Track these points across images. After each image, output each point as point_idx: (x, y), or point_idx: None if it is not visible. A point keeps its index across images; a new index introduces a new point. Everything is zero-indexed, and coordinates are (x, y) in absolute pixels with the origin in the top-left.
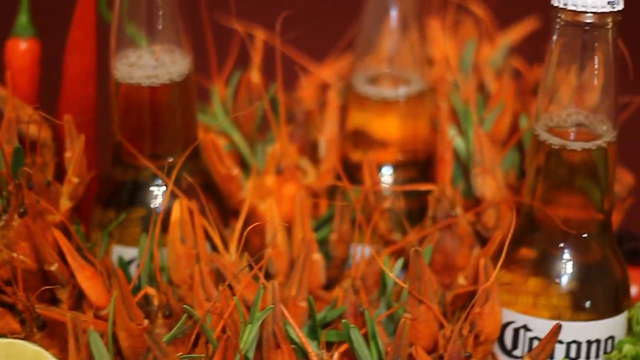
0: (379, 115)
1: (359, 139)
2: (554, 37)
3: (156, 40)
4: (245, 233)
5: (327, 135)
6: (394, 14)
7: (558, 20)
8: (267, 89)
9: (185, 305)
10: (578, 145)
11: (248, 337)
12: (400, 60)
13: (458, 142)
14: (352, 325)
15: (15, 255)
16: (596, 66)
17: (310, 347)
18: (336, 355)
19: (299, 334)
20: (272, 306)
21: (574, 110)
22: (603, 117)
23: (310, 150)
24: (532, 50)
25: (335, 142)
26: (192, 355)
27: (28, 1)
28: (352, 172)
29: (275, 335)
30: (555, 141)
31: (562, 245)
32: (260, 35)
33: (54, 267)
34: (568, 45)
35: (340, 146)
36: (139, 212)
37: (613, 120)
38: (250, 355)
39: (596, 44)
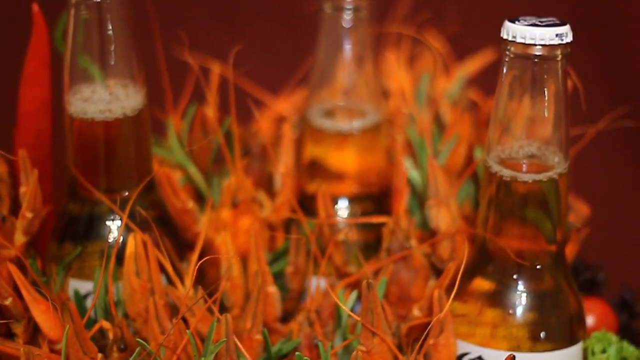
0: (335, 148)
1: (315, 171)
2: (504, 70)
3: (110, 74)
4: (199, 266)
5: (282, 168)
6: (348, 47)
7: (507, 52)
8: (223, 122)
9: (138, 339)
10: (529, 177)
11: None
12: (355, 93)
13: (413, 174)
14: (307, 357)
15: None
16: (546, 98)
17: None
18: None
19: None
20: (226, 339)
21: (526, 142)
22: (555, 149)
23: (267, 183)
24: (488, 82)
25: (290, 175)
26: None
27: None
28: (308, 204)
29: None
30: (506, 173)
31: (515, 276)
32: (215, 68)
33: (8, 302)
34: (518, 77)
35: (296, 179)
36: (95, 245)
37: (565, 152)
38: None
39: (546, 76)
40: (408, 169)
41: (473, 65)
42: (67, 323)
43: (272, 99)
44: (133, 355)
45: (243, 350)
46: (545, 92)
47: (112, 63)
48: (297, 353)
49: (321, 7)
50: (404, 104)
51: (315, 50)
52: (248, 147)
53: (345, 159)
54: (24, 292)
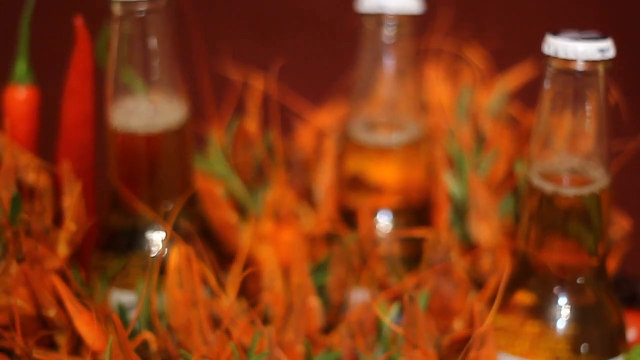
0: (375, 162)
1: (356, 185)
2: (546, 84)
3: (153, 88)
4: (242, 278)
5: (323, 182)
6: (389, 62)
7: (549, 68)
8: (265, 135)
9: (182, 351)
10: (571, 192)
11: None
12: (396, 107)
13: (453, 187)
14: None
15: (13, 301)
16: (588, 113)
17: None
18: None
19: None
20: (268, 351)
21: (567, 157)
22: (596, 163)
23: (308, 197)
24: (528, 96)
25: (331, 188)
26: None
27: (26, 48)
28: (349, 217)
29: None
30: (548, 187)
31: (556, 290)
32: (256, 82)
33: (52, 313)
34: (560, 92)
35: (337, 192)
36: (137, 258)
37: (606, 166)
38: None
39: (587, 91)
40: (448, 183)
41: (513, 80)
42: (111, 334)
43: (313, 113)
44: None
45: None
46: (587, 107)
47: (156, 77)
48: None
49: (362, 22)
50: (444, 118)
51: (356, 65)
52: (289, 161)
53: (386, 173)
54: (67, 304)
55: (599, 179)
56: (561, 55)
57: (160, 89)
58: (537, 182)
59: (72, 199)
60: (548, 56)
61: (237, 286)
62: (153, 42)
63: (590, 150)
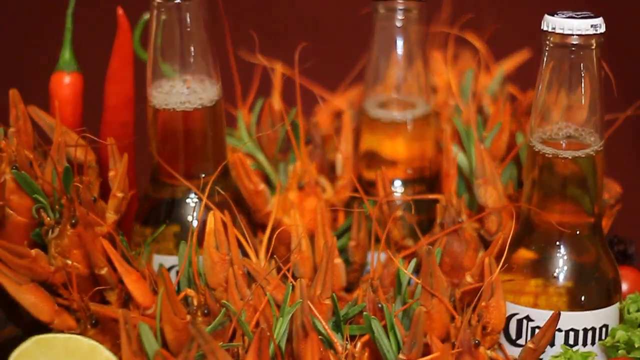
0: (389, 136)
1: (371, 158)
2: (544, 59)
3: (188, 70)
4: (272, 240)
5: (343, 153)
6: (400, 45)
7: (547, 43)
8: (287, 114)
9: (223, 301)
10: (569, 154)
11: (280, 329)
12: (406, 87)
13: (461, 158)
14: (374, 317)
15: (69, 262)
16: (583, 83)
17: (336, 338)
18: (359, 344)
19: (325, 327)
20: (300, 301)
21: (565, 125)
22: (591, 130)
23: (328, 170)
24: (524, 77)
25: (350, 159)
26: (231, 344)
27: (71, 38)
28: (366, 189)
29: (304, 327)
30: (548, 150)
31: (558, 243)
32: (279, 68)
33: (103, 271)
34: (557, 65)
35: (355, 164)
36: (176, 225)
37: (600, 132)
38: (282, 345)
39: (582, 64)
40: (456, 154)
41: (510, 63)
42: (160, 288)
43: (331, 94)
44: (218, 316)
45: (315, 311)
46: (582, 78)
47: (191, 60)
48: (364, 313)
49: (375, 8)
50: (451, 96)
51: (369, 48)
52: (310, 137)
53: (399, 146)
54: (116, 264)
55: (594, 143)
56: (558, 30)
57: (195, 71)
58: (539, 146)
59: (118, 170)
60: (546, 32)
61: (268, 248)
62: (188, 28)
63: (586, 118)
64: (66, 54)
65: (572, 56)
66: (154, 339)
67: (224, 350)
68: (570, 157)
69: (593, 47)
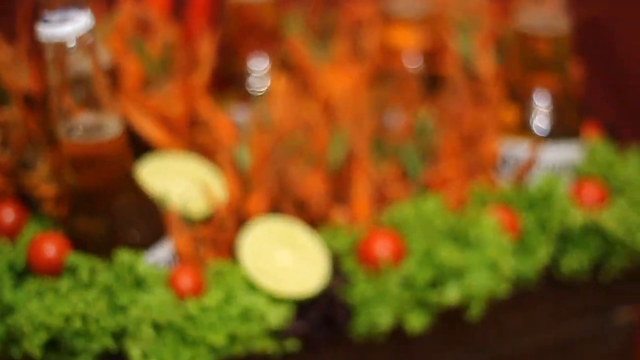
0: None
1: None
2: None
3: None
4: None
5: (370, 42)
6: None
7: None
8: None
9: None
10: (544, 32)
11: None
12: None
13: (461, 45)
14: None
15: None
16: None
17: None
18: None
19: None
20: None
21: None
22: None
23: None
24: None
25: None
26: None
27: None
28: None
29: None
30: (529, 31)
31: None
32: None
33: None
34: None
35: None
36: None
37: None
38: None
39: None
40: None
41: None
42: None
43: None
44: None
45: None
46: None
47: None
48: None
49: None
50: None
51: None
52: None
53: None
54: (206, 111)
55: (564, 22)
56: None
57: None
58: (522, 25)
59: (207, 45)
60: None
61: (319, 102)
62: None
63: (558, 5)
64: None
65: None
66: (246, 156)
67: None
68: (544, 35)
69: None
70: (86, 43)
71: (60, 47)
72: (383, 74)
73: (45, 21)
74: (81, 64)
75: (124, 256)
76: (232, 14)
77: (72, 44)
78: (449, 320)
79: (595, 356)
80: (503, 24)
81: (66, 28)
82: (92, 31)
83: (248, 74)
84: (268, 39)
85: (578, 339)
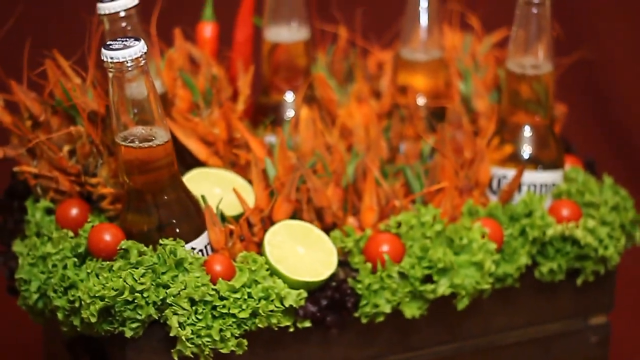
0: (417, 71)
1: (404, 85)
2: (517, 12)
3: (293, 17)
4: (340, 128)
5: (385, 81)
6: (423, 14)
7: (520, 3)
8: (351, 54)
9: (316, 151)
10: (531, 71)
11: (349, 171)
12: (427, 41)
13: (462, 86)
14: (406, 165)
15: (216, 130)
16: (542, 27)
17: (383, 179)
18: (398, 184)
19: (376, 172)
20: (362, 154)
21: (529, 56)
22: (546, 59)
23: (376, 91)
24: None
25: (391, 84)
26: (321, 174)
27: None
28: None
29: (364, 171)
30: (518, 69)
31: (524, 131)
32: (344, 31)
33: (238, 135)
34: (524, 16)
35: (394, 88)
36: (280, 115)
37: (552, 61)
38: (350, 181)
39: (540, 14)
40: (459, 85)
41: (495, 36)
42: (276, 145)
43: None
44: (311, 159)
45: (370, 163)
46: (541, 23)
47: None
48: (402, 165)
49: None
50: (454, 51)
51: (404, 14)
52: (365, 69)
53: (420, 78)
54: (246, 134)
55: (548, 67)
56: None
57: (294, 19)
58: (512, 68)
59: (245, 79)
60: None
61: (338, 131)
62: None
63: (543, 51)
64: (208, 10)
65: (535, 10)
66: (273, 169)
67: (316, 176)
68: (532, 74)
69: (547, 5)
70: (140, 65)
71: (120, 67)
72: (395, 107)
73: (108, 46)
74: (137, 82)
75: (167, 242)
76: (267, 52)
77: (129, 65)
78: (439, 309)
79: (572, 351)
80: (501, 68)
81: (125, 51)
82: (145, 55)
83: (279, 104)
84: (298, 74)
85: (555, 335)
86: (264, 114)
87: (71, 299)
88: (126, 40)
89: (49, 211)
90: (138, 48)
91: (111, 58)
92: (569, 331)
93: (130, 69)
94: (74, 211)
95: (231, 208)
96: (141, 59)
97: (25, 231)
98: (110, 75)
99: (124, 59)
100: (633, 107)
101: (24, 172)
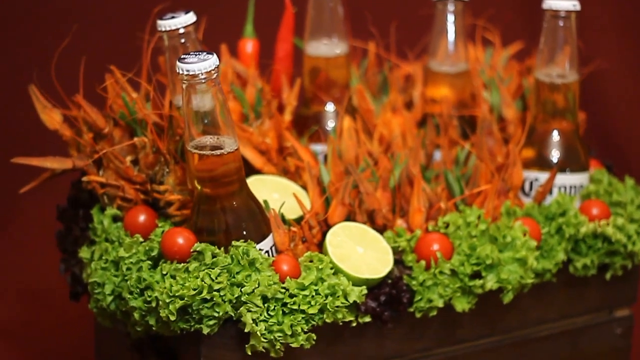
0: (444, 83)
1: (434, 97)
2: (544, 25)
3: (334, 33)
4: (379, 135)
5: (417, 91)
6: (451, 29)
7: (546, 15)
8: (383, 67)
9: (364, 157)
10: (559, 80)
11: (395, 176)
12: (454, 54)
13: (487, 95)
14: (447, 169)
15: (268, 140)
16: (568, 39)
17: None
18: (439, 188)
19: (419, 175)
20: (406, 161)
21: (556, 66)
22: (572, 69)
23: (408, 102)
24: (520, 56)
25: (422, 95)
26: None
27: (253, 15)
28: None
29: (409, 176)
30: (546, 79)
31: (551, 137)
32: (373, 46)
33: (288, 144)
34: (551, 28)
35: (423, 98)
36: (321, 126)
37: (577, 70)
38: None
39: (565, 27)
40: (485, 94)
41: (512, 48)
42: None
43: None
44: (360, 166)
45: (413, 167)
46: (567, 36)
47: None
48: (443, 169)
49: (435, 5)
50: (478, 64)
51: (431, 31)
52: (397, 81)
53: (448, 89)
54: (293, 142)
55: (574, 76)
56: (553, 7)
57: (334, 35)
58: (541, 78)
59: (292, 91)
60: (545, 10)
61: (378, 137)
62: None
63: (570, 61)
64: (249, 27)
65: (561, 23)
66: (327, 176)
67: (366, 180)
68: (560, 83)
69: (572, 19)
70: (213, 77)
71: (194, 79)
72: (426, 116)
73: (183, 59)
74: (209, 93)
75: (240, 244)
76: (309, 66)
77: (202, 77)
78: (482, 304)
79: (598, 342)
80: (526, 77)
81: (200, 64)
82: (217, 68)
83: (320, 115)
84: (337, 86)
85: (583, 327)
86: (304, 124)
87: (148, 299)
88: (199, 54)
89: (115, 218)
90: (212, 61)
91: (187, 71)
92: (595, 323)
93: (203, 81)
94: (142, 217)
95: (289, 212)
96: (213, 71)
97: (90, 238)
98: (184, 86)
99: (198, 72)
100: (621, 115)
101: (92, 181)
